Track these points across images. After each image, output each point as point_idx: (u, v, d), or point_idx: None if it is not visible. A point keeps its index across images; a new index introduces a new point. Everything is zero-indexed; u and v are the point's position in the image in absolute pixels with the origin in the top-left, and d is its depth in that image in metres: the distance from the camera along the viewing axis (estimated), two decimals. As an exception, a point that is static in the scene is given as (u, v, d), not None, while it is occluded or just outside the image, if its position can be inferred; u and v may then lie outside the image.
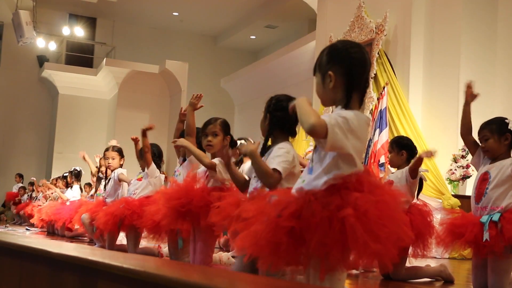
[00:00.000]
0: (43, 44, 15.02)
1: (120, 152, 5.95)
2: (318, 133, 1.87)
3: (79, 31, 15.79)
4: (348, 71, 2.01)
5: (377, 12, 8.73)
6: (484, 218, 3.13)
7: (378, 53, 8.33)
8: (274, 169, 2.57)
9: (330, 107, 2.17)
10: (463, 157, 7.32)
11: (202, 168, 3.71)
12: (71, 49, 16.62)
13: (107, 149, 5.98)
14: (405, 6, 8.39)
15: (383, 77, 8.21)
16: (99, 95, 16.29)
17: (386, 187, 2.01)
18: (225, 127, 3.67)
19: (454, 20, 8.00)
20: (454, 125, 7.63)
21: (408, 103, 7.99)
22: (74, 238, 7.60)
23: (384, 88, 7.81)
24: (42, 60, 16.13)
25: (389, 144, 4.20)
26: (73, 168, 8.76)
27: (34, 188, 11.69)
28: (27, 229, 9.49)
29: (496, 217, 3.09)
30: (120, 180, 5.74)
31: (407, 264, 3.79)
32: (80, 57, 16.50)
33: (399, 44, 8.44)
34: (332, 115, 1.93)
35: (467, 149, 7.27)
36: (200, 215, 3.38)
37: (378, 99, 7.91)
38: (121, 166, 5.91)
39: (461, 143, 7.43)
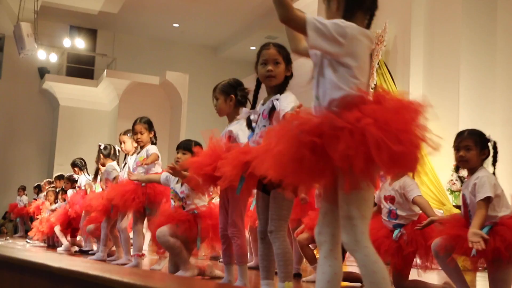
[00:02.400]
0: (44, 56, 15.05)
1: (149, 124, 5.07)
2: (297, 24, 1.97)
3: (80, 43, 15.83)
4: None
5: (377, 22, 8.67)
6: None
7: (378, 64, 8.34)
8: None
9: None
10: (464, 167, 7.31)
11: (223, 131, 3.64)
12: (72, 61, 16.66)
13: (134, 123, 5.05)
14: (404, 16, 8.41)
15: (383, 87, 8.21)
16: (100, 106, 16.30)
17: (402, 101, 1.98)
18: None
19: (454, 30, 8.01)
20: (454, 135, 7.59)
21: (408, 113, 7.99)
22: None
23: (384, 98, 7.80)
24: (43, 71, 16.17)
25: None
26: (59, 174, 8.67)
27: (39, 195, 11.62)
28: (27, 241, 9.45)
29: (485, 230, 3.03)
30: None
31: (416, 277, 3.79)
32: (81, 68, 16.54)
33: (399, 55, 8.46)
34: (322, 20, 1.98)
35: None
36: None
37: (378, 109, 7.91)
38: (151, 140, 5.05)
39: (462, 153, 7.43)
